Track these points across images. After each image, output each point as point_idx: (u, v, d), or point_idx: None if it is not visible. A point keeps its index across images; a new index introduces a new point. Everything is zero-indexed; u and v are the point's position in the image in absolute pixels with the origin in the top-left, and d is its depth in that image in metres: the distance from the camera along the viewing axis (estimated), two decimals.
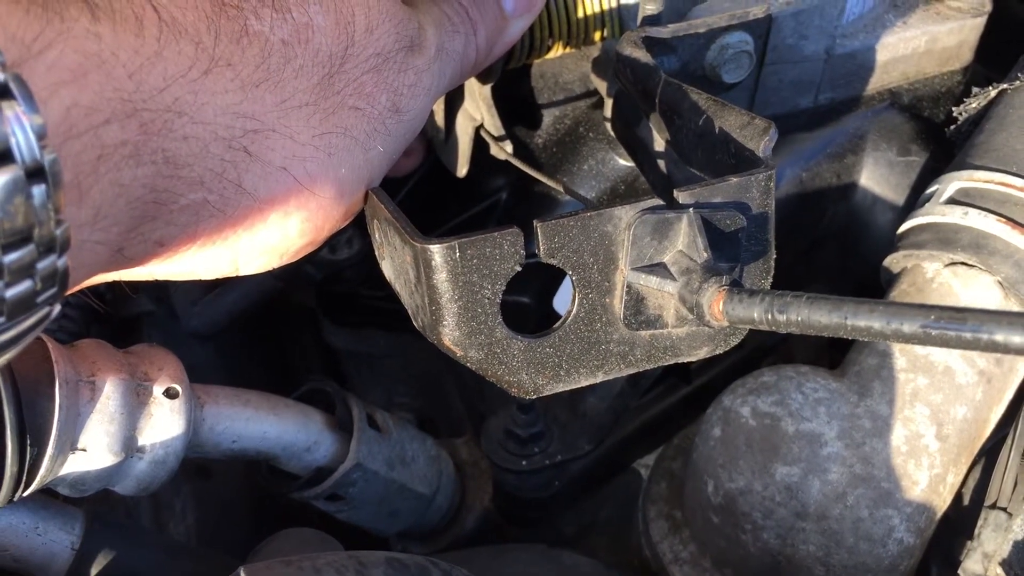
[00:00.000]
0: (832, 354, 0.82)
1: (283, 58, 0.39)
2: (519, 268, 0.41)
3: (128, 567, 0.57)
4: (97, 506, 0.59)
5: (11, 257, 0.28)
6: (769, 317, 0.37)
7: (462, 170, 0.78)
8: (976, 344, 0.31)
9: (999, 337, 0.30)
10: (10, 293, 0.29)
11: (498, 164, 0.76)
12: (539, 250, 0.42)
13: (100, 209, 0.33)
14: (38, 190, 0.29)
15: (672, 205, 0.42)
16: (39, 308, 0.31)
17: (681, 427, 0.79)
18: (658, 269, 0.42)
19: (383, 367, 0.97)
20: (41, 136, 0.28)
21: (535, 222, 0.41)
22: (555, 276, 0.79)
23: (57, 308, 0.33)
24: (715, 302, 0.39)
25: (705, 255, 0.41)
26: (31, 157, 0.28)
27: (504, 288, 0.41)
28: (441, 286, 0.40)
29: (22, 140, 0.28)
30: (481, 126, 0.74)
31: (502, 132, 0.73)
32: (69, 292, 0.38)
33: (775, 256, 0.46)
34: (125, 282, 0.42)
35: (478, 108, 0.73)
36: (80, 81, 0.32)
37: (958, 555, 0.60)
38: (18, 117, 0.28)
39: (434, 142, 0.81)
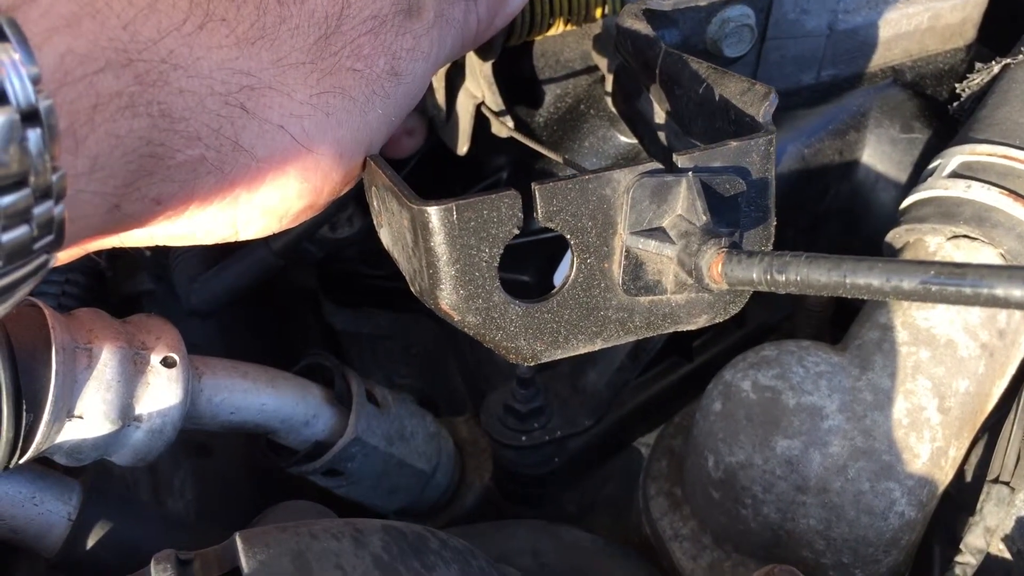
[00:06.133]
0: (834, 332, 0.82)
1: (278, 17, 0.39)
2: (517, 231, 0.41)
3: (125, 538, 0.57)
4: (95, 478, 0.58)
5: (6, 200, 0.29)
6: (768, 277, 0.36)
7: (463, 148, 0.77)
8: (976, 299, 0.31)
9: (999, 291, 0.30)
10: (7, 237, 0.29)
11: (499, 142, 0.76)
12: (537, 213, 0.41)
13: (96, 160, 0.33)
14: (33, 135, 0.29)
15: (671, 169, 0.42)
16: (36, 255, 0.31)
17: (682, 405, 0.79)
18: (657, 233, 0.42)
19: (384, 347, 0.96)
20: (36, 81, 0.28)
21: (533, 184, 0.41)
22: (554, 252, 0.79)
23: (55, 258, 0.33)
24: (714, 264, 0.39)
25: (704, 218, 0.41)
26: (26, 102, 0.28)
27: (502, 252, 0.41)
28: (438, 249, 0.40)
29: (17, 84, 0.28)
30: (482, 103, 0.74)
31: (503, 109, 0.73)
32: (71, 256, 0.38)
33: (776, 225, 0.46)
34: (127, 246, 0.41)
35: (479, 86, 0.72)
36: (74, 28, 0.32)
37: (960, 531, 0.60)
38: (13, 62, 0.28)
39: (435, 121, 0.81)
